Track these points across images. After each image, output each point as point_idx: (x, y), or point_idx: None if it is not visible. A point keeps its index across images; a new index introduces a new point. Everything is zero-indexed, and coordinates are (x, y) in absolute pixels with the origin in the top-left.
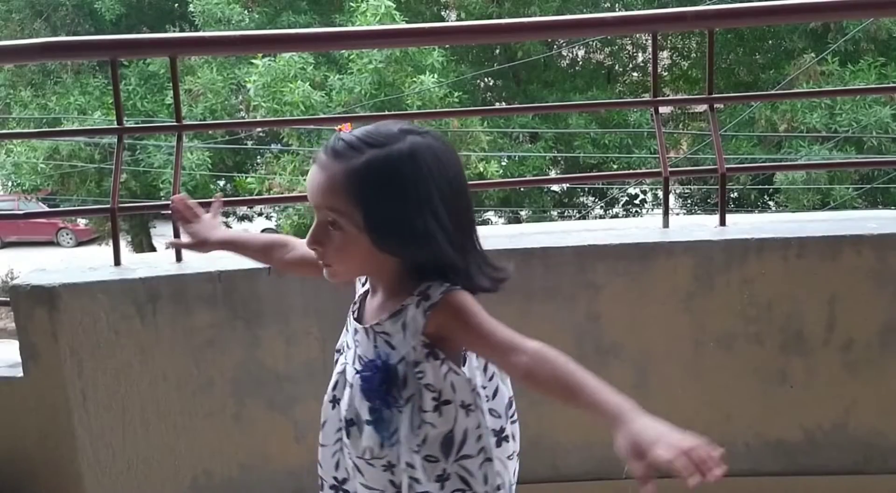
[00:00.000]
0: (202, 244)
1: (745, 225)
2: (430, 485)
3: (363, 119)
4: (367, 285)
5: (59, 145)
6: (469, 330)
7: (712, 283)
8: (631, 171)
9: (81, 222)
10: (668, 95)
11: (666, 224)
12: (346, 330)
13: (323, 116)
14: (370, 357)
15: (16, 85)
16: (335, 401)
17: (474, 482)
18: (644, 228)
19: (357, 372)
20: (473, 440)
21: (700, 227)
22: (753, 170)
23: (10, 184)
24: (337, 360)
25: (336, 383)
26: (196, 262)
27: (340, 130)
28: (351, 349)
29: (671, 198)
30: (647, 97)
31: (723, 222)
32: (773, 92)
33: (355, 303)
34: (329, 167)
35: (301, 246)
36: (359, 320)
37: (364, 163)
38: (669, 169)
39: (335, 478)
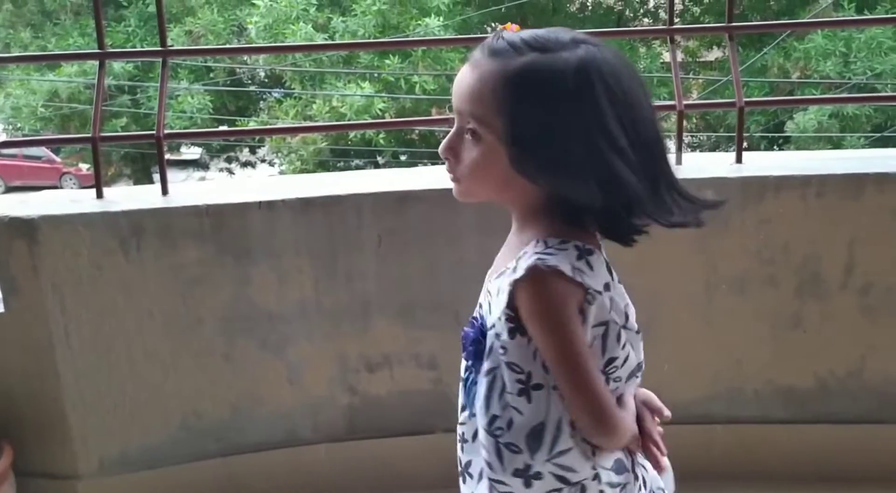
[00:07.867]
0: None
1: (763, 162)
2: (506, 477)
3: (367, 46)
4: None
5: (58, 88)
6: (536, 331)
7: (727, 222)
8: None
9: (84, 167)
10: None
11: (679, 161)
12: None
13: (326, 43)
14: (478, 313)
15: (15, 26)
16: None
17: (576, 476)
18: None
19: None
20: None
21: (715, 163)
22: (772, 104)
23: (9, 127)
24: None
25: None
26: (182, 195)
27: (505, 28)
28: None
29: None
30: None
31: (739, 159)
32: (793, 21)
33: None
34: (481, 66)
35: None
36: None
37: (522, 65)
38: (684, 102)
39: None
